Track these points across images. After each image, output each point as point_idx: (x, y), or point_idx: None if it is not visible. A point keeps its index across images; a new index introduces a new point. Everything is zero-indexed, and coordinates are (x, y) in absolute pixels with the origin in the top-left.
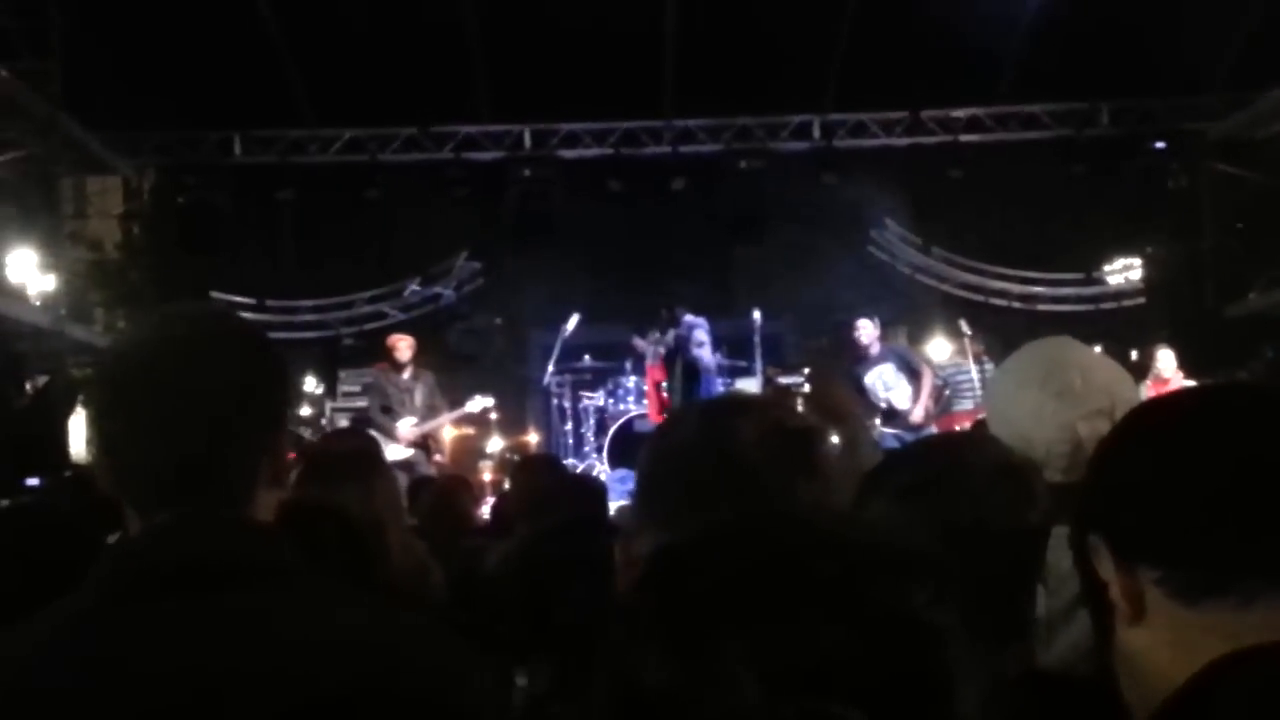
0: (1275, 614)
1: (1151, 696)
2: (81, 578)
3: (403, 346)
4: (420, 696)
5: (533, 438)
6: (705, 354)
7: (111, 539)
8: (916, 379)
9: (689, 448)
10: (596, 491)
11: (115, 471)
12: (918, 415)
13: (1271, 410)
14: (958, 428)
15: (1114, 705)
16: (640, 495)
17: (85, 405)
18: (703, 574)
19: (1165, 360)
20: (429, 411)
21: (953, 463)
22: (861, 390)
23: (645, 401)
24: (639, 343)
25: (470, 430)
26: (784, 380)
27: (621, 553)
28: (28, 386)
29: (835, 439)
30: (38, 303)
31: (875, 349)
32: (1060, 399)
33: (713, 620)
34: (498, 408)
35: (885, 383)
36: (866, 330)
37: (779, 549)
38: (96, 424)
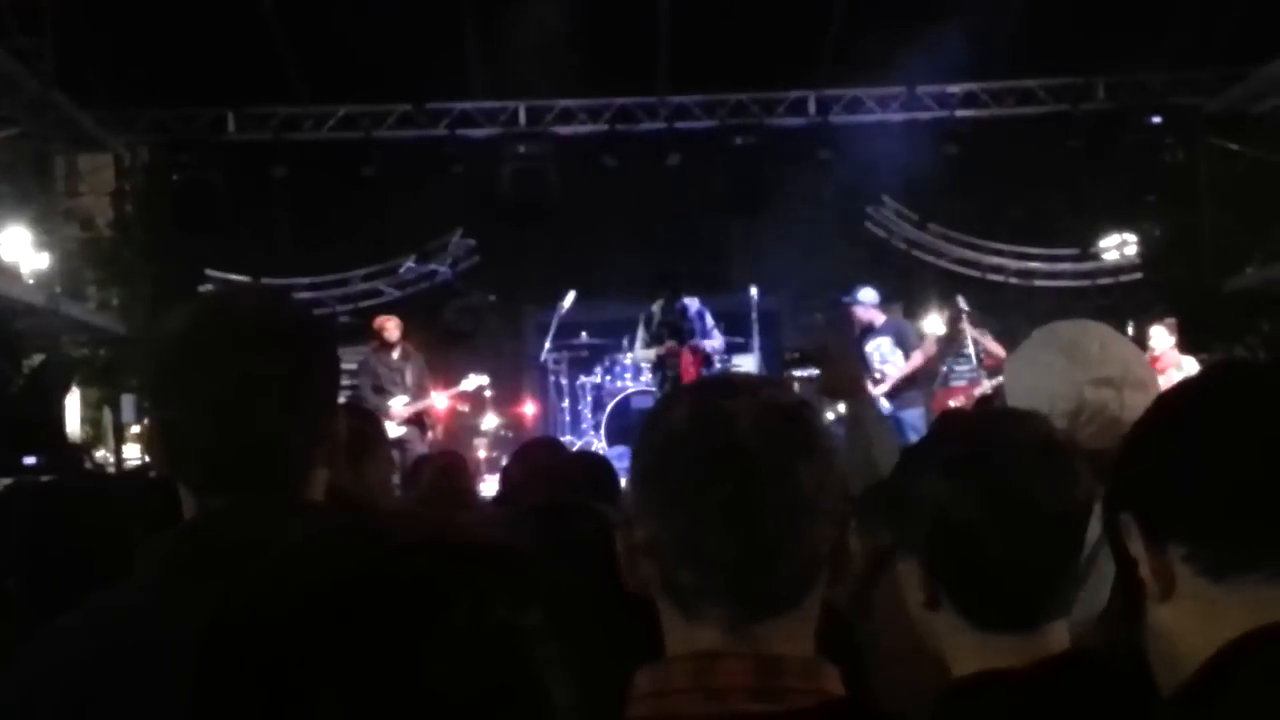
0: None
1: (1179, 671)
2: (125, 550)
3: (391, 326)
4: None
5: (528, 409)
6: (719, 339)
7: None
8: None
9: (682, 433)
10: (608, 469)
11: (171, 455)
12: (883, 387)
13: None
14: (951, 403)
15: (1143, 681)
16: (637, 482)
17: (141, 390)
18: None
19: (1158, 336)
20: (419, 390)
21: (999, 436)
22: (862, 358)
23: (643, 379)
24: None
25: (464, 407)
26: (799, 374)
27: (621, 540)
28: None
29: (839, 411)
30: (31, 281)
31: (879, 320)
32: (1072, 360)
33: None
34: (493, 385)
35: (882, 355)
36: (862, 310)
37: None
38: (152, 408)
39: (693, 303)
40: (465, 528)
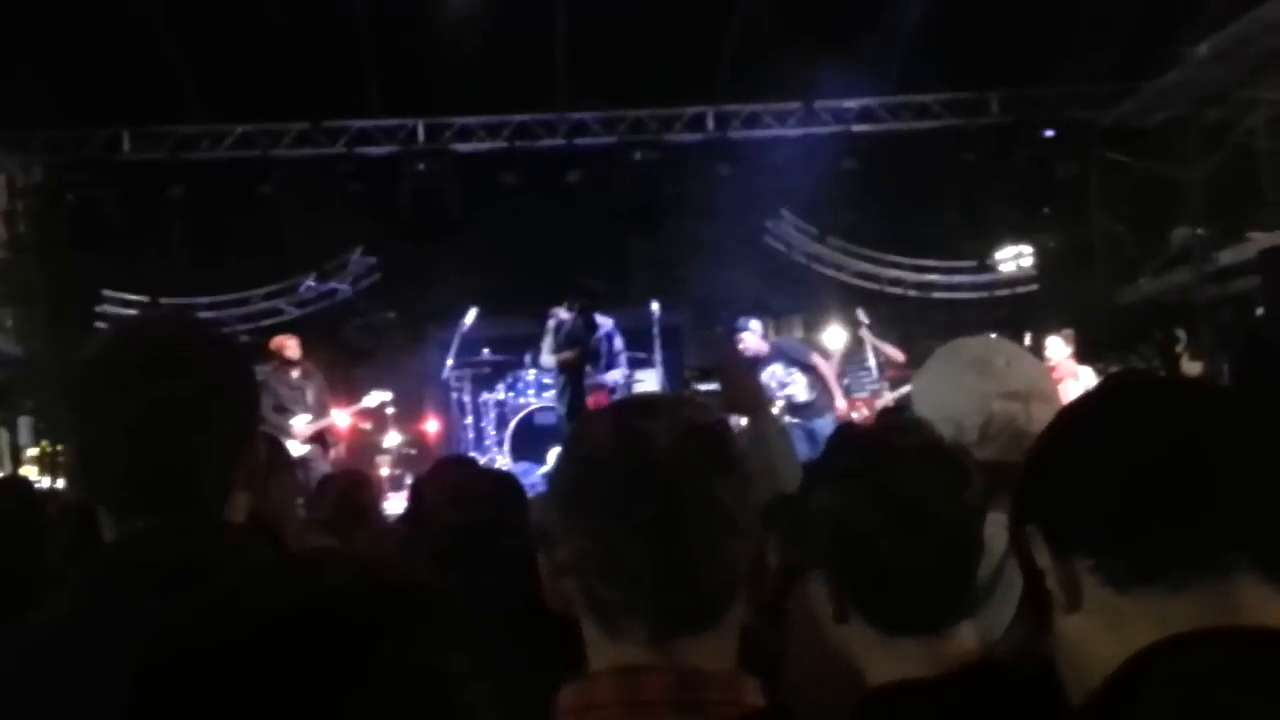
0: (1204, 600)
1: (1088, 682)
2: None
3: (291, 345)
4: None
5: (431, 426)
6: (623, 365)
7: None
8: (809, 370)
9: (603, 454)
10: (516, 487)
11: (91, 478)
12: (840, 404)
13: (1192, 401)
14: (854, 415)
15: (1051, 692)
16: (558, 505)
17: (38, 412)
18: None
19: (1054, 347)
20: (321, 408)
21: (885, 444)
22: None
23: (546, 395)
24: (559, 315)
25: (367, 425)
26: (703, 387)
27: (545, 561)
28: None
29: (744, 427)
30: None
31: (764, 350)
32: (981, 374)
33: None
34: (395, 403)
35: (779, 380)
36: (751, 338)
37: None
38: (70, 432)
39: (606, 323)
40: (393, 567)
